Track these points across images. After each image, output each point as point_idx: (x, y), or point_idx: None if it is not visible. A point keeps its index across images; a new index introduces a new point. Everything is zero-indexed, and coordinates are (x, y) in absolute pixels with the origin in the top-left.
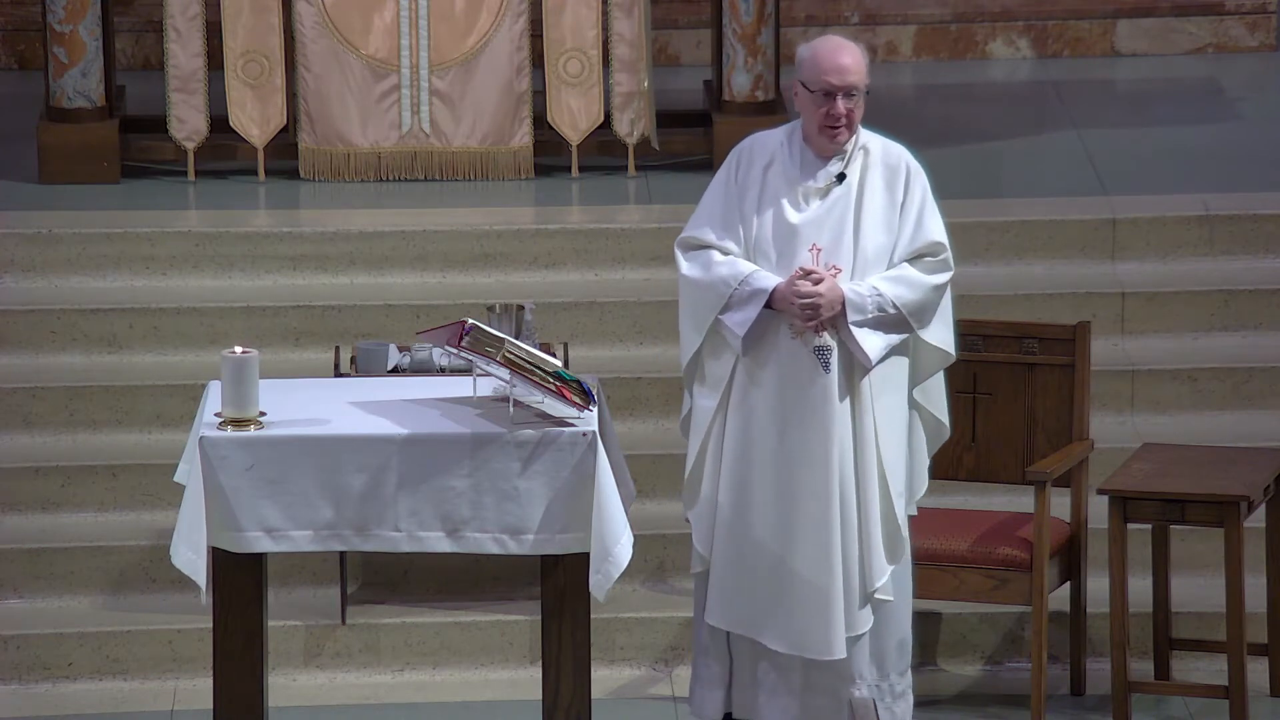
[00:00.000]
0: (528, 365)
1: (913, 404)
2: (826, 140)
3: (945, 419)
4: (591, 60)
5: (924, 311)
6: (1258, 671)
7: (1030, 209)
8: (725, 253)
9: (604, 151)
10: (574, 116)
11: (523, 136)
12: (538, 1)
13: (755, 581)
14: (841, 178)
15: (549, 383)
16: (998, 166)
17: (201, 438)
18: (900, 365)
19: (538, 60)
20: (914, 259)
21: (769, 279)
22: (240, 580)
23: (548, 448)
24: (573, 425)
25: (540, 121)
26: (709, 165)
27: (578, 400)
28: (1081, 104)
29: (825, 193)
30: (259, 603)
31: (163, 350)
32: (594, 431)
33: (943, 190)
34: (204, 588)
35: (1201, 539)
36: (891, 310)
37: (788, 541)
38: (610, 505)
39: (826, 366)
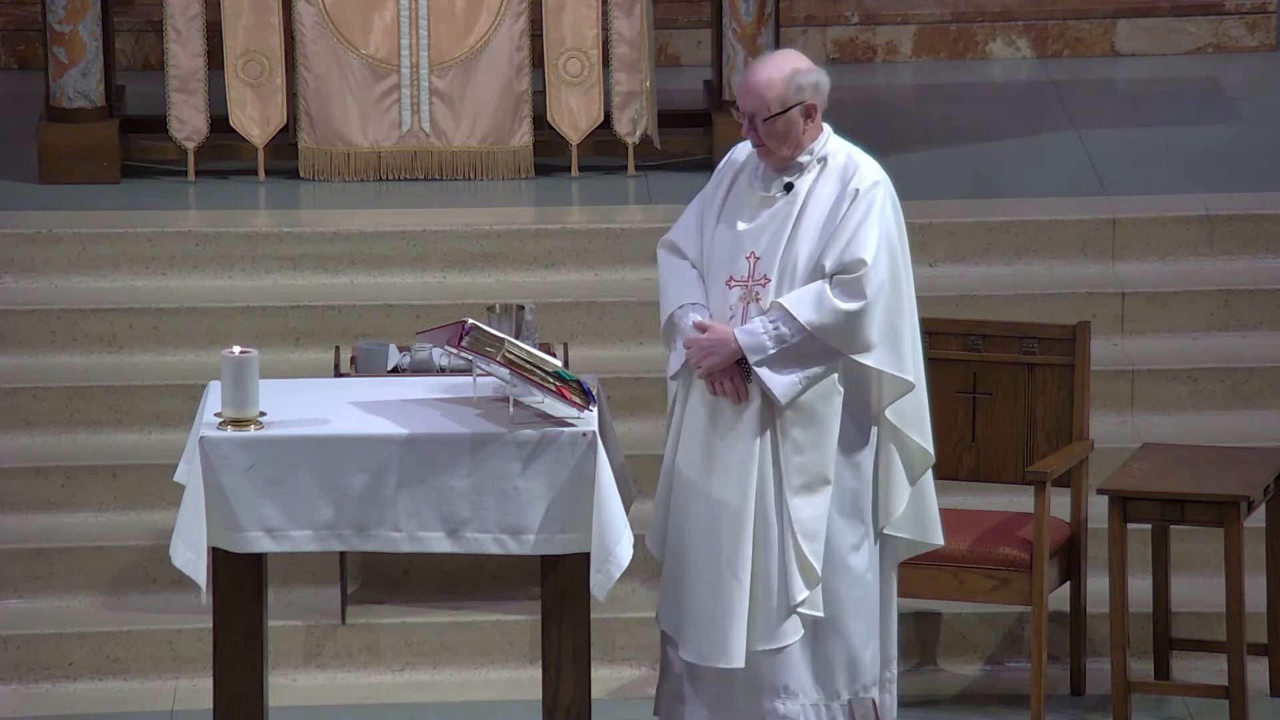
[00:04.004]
0: (528, 365)
1: (888, 429)
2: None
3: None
4: (591, 60)
5: (843, 335)
6: (1258, 671)
7: (1030, 209)
8: (684, 257)
9: (604, 151)
10: (574, 116)
11: (523, 136)
12: (538, 1)
13: (685, 588)
14: (789, 187)
15: (549, 383)
16: (998, 166)
17: (201, 438)
18: (828, 396)
19: (538, 60)
20: (837, 273)
21: (688, 321)
22: (240, 580)
23: (548, 448)
24: (573, 425)
25: (540, 121)
26: (709, 165)
27: (578, 400)
28: (1081, 104)
29: (773, 202)
30: (259, 602)
31: (163, 350)
32: (594, 431)
33: (943, 190)
34: (204, 588)
35: (1201, 539)
36: (797, 337)
37: (708, 552)
38: (610, 505)
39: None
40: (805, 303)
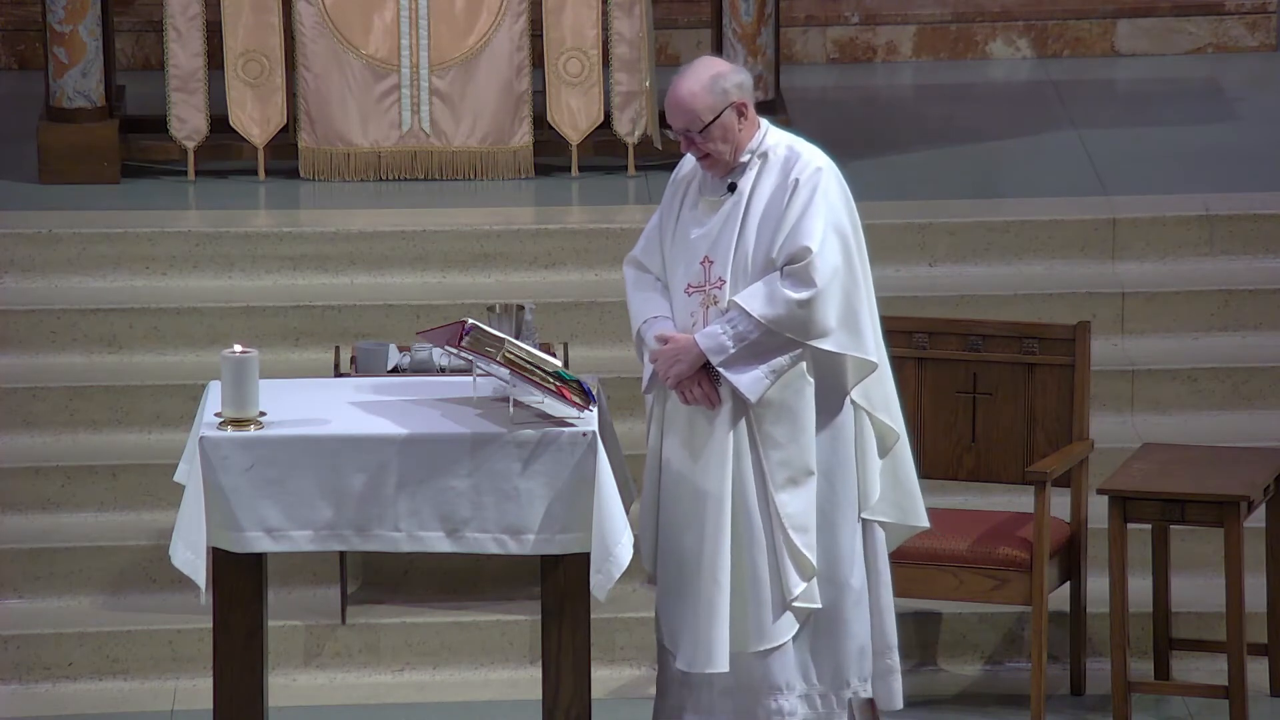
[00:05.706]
0: (528, 365)
1: (859, 413)
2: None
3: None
4: (591, 60)
5: (799, 325)
6: (1258, 671)
7: (1030, 209)
8: (648, 272)
9: (604, 151)
10: (574, 116)
11: (523, 136)
12: (538, 1)
13: (677, 599)
14: (732, 188)
15: (549, 383)
16: (998, 166)
17: (201, 438)
18: (798, 389)
19: (538, 60)
20: (787, 264)
21: (651, 334)
22: (240, 580)
23: (548, 448)
24: (573, 425)
25: (540, 121)
26: None
27: (578, 400)
28: (1081, 104)
29: (720, 205)
30: (259, 602)
31: (163, 350)
32: (594, 431)
33: (943, 190)
34: (203, 588)
35: (1201, 539)
36: (755, 332)
37: (696, 560)
38: (610, 505)
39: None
40: (758, 298)
